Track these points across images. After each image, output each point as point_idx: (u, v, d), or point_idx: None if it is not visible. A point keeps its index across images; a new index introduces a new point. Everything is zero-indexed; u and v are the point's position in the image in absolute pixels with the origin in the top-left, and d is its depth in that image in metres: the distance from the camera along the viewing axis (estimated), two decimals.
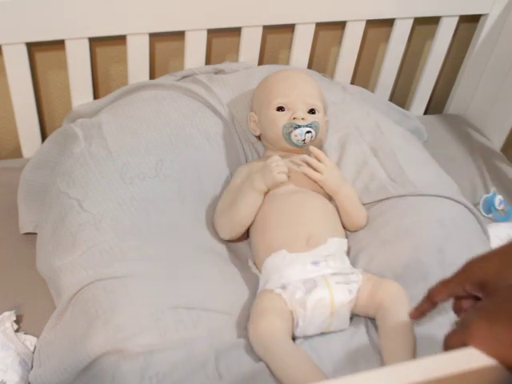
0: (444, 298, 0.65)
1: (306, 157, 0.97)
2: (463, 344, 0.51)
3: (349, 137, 1.12)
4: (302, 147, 1.00)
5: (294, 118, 0.98)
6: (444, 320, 0.88)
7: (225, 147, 1.07)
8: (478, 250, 0.69)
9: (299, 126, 0.97)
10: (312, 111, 1.00)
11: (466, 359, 0.42)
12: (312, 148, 0.97)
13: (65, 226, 0.90)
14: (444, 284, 0.65)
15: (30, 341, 0.84)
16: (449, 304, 0.89)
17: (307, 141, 0.98)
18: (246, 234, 0.98)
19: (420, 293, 0.68)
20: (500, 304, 0.54)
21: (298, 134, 0.97)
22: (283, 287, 0.84)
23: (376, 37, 1.35)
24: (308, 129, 0.97)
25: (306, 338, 0.84)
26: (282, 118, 0.99)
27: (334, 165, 0.99)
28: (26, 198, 1.02)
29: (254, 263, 0.93)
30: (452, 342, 0.55)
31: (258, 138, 1.08)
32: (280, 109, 1.00)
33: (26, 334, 0.85)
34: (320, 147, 1.12)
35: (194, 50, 1.16)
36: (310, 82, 1.05)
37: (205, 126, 1.06)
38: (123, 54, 1.13)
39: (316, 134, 0.98)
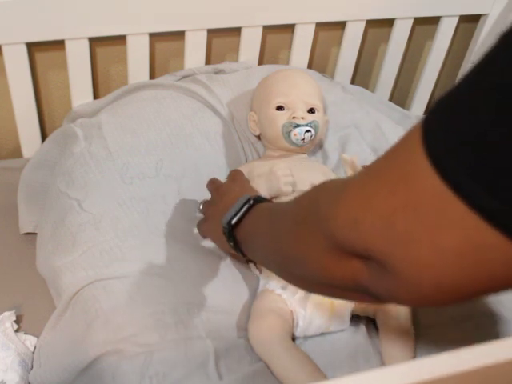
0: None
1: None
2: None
3: (349, 137, 1.12)
4: (302, 146, 1.00)
5: (294, 118, 0.98)
6: (444, 320, 0.88)
7: (225, 147, 1.07)
8: None
9: (299, 125, 0.97)
10: (312, 111, 1.00)
11: (467, 359, 0.42)
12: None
13: (65, 226, 0.90)
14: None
15: (30, 341, 0.84)
16: (449, 307, 0.89)
17: (307, 140, 0.98)
18: None
19: None
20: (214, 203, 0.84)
21: (298, 133, 0.97)
22: (283, 287, 0.84)
23: (376, 37, 1.35)
24: (307, 128, 0.97)
25: (306, 338, 0.84)
26: (282, 118, 0.99)
27: None
28: (26, 198, 1.02)
29: (254, 263, 0.93)
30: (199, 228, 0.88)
31: (258, 137, 1.08)
32: (279, 108, 1.00)
33: (26, 333, 0.85)
34: (320, 147, 1.12)
35: (194, 50, 1.16)
36: (310, 81, 1.05)
37: (205, 125, 1.06)
38: (123, 53, 1.13)
39: (315, 133, 0.98)
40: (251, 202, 0.71)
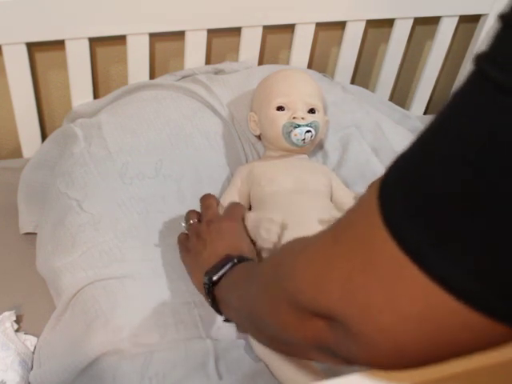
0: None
1: None
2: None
3: (350, 137, 1.12)
4: (302, 147, 1.00)
5: (294, 118, 0.97)
6: None
7: (225, 147, 1.07)
8: None
9: (299, 126, 0.97)
10: (312, 111, 1.00)
11: (467, 359, 0.41)
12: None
13: (64, 227, 0.90)
14: None
15: (30, 341, 0.84)
16: None
17: (307, 140, 0.98)
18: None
19: None
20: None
21: (298, 134, 0.97)
22: None
23: (376, 37, 1.35)
24: (308, 128, 0.97)
25: None
26: (282, 118, 0.99)
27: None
28: (26, 198, 1.02)
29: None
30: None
31: (258, 137, 1.08)
32: (280, 108, 1.00)
33: (26, 333, 0.85)
34: (320, 147, 1.12)
35: (194, 50, 1.16)
36: (310, 81, 1.05)
37: (205, 126, 1.06)
38: (123, 53, 1.13)
39: (316, 133, 0.98)
40: (235, 261, 0.73)
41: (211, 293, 0.73)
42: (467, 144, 0.34)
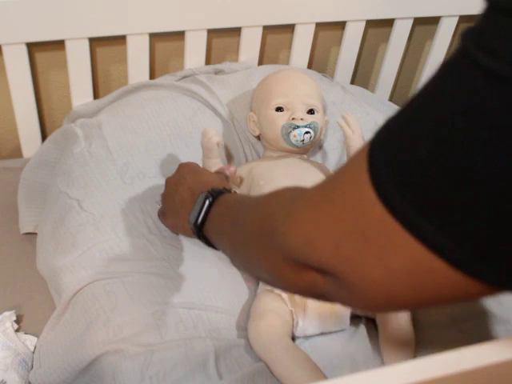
0: None
1: (345, 114, 1.02)
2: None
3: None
4: (301, 147, 1.00)
5: (293, 119, 0.98)
6: (444, 320, 0.88)
7: (225, 148, 1.07)
8: None
9: (298, 127, 0.97)
10: (311, 111, 1.00)
11: (467, 359, 0.42)
12: (347, 114, 1.02)
13: (65, 226, 0.90)
14: None
15: (30, 341, 0.84)
16: (448, 307, 0.89)
17: (306, 141, 0.98)
18: None
19: None
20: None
21: (297, 135, 0.97)
22: None
23: (376, 37, 1.35)
24: (307, 129, 0.97)
25: (306, 337, 0.84)
26: (281, 119, 0.99)
27: (361, 136, 1.02)
28: (26, 198, 1.02)
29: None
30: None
31: (258, 138, 1.08)
32: (279, 109, 1.00)
33: (26, 333, 0.85)
34: (320, 147, 1.12)
35: (194, 50, 1.16)
36: (310, 82, 1.05)
37: (205, 126, 1.06)
38: (123, 53, 1.13)
39: (315, 134, 0.98)
40: (210, 198, 0.73)
41: (202, 236, 0.74)
42: (449, 114, 0.36)
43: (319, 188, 0.46)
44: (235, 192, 0.77)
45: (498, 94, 0.33)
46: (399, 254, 0.38)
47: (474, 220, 0.35)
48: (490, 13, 0.35)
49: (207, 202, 0.73)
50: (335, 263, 0.42)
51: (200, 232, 0.74)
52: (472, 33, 0.36)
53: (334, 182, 0.45)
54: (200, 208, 0.73)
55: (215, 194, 0.73)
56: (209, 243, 0.75)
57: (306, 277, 0.47)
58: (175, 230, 0.90)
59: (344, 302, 0.47)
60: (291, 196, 0.51)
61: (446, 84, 0.37)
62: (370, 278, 0.40)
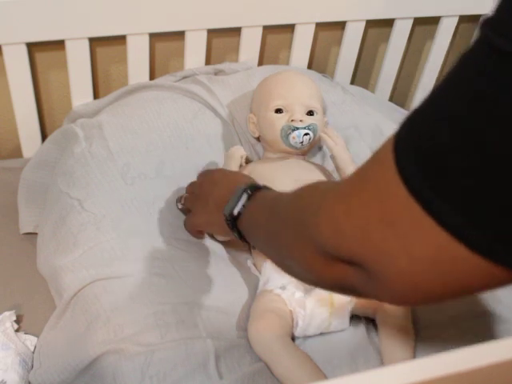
0: None
1: (326, 130, 1.03)
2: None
3: (349, 137, 1.12)
4: (301, 149, 1.00)
5: (293, 120, 0.98)
6: (444, 320, 0.88)
7: (225, 148, 1.07)
8: None
9: (297, 128, 0.97)
10: (311, 113, 1.00)
11: (467, 359, 0.42)
12: (328, 130, 1.03)
13: (66, 226, 0.90)
14: None
15: (30, 341, 0.84)
16: (448, 307, 0.89)
17: (305, 143, 0.98)
18: None
19: None
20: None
21: (296, 137, 0.97)
22: (283, 287, 0.84)
23: (376, 37, 1.35)
24: (306, 131, 0.97)
25: (306, 338, 0.85)
26: (281, 120, 0.99)
27: (345, 147, 1.04)
28: (26, 198, 1.02)
29: (254, 264, 0.93)
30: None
31: (258, 139, 1.08)
32: (278, 111, 1.00)
33: (26, 333, 0.85)
34: (319, 148, 1.12)
35: (194, 50, 1.16)
36: (309, 83, 1.05)
37: (205, 127, 1.06)
38: (123, 53, 1.13)
39: (314, 136, 0.98)
40: (249, 191, 0.73)
41: (236, 226, 0.74)
42: (471, 100, 0.36)
43: (348, 180, 0.48)
44: (271, 189, 0.77)
45: None
46: (423, 241, 0.39)
47: (498, 207, 0.35)
48: (507, 0, 0.36)
49: (245, 195, 0.73)
50: (363, 252, 0.43)
51: (234, 224, 0.74)
52: (491, 21, 0.37)
53: (361, 173, 0.46)
54: (237, 199, 0.73)
55: (253, 188, 0.74)
56: (240, 236, 0.75)
57: (335, 269, 0.48)
58: (208, 227, 0.90)
59: (371, 295, 0.47)
60: (323, 189, 0.52)
61: (467, 71, 0.38)
62: (395, 266, 0.41)
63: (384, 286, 0.43)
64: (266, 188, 0.76)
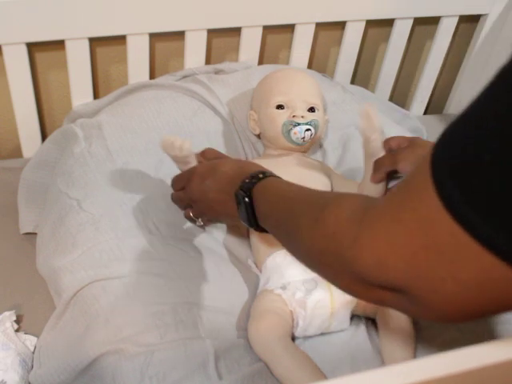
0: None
1: (368, 110, 0.87)
2: None
3: (349, 136, 1.12)
4: (302, 145, 1.00)
5: (294, 116, 0.97)
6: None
7: (225, 147, 1.07)
8: None
9: (299, 124, 0.97)
10: (312, 109, 1.00)
11: (466, 359, 0.42)
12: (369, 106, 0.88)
13: (65, 226, 0.90)
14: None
15: (30, 341, 0.84)
16: None
17: (307, 139, 0.98)
18: (246, 234, 0.98)
19: None
20: None
21: (298, 132, 0.97)
22: (283, 287, 0.84)
23: (376, 37, 1.35)
24: (307, 127, 0.97)
25: (306, 338, 0.84)
26: (282, 116, 0.99)
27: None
28: (26, 198, 1.02)
29: (254, 263, 0.93)
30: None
31: (258, 136, 1.08)
32: (279, 107, 1.00)
33: (26, 333, 0.85)
34: (320, 146, 1.12)
35: (194, 50, 1.16)
36: (310, 80, 1.05)
37: (205, 124, 1.06)
38: (123, 53, 1.13)
39: (315, 132, 0.98)
40: (260, 175, 0.72)
41: (251, 207, 0.71)
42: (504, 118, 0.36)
43: (385, 207, 0.47)
44: (266, 176, 0.73)
45: None
46: (470, 264, 0.39)
47: None
48: None
49: (261, 176, 0.72)
50: (407, 280, 0.44)
51: (248, 201, 0.71)
52: None
53: (399, 199, 0.45)
54: (245, 210, 0.71)
55: (247, 190, 0.71)
56: (262, 229, 0.73)
57: (374, 294, 0.49)
58: (208, 211, 0.85)
59: (415, 316, 0.49)
60: (352, 215, 0.50)
61: (507, 84, 0.38)
62: (441, 292, 0.42)
63: (429, 309, 0.44)
64: (259, 178, 0.72)
